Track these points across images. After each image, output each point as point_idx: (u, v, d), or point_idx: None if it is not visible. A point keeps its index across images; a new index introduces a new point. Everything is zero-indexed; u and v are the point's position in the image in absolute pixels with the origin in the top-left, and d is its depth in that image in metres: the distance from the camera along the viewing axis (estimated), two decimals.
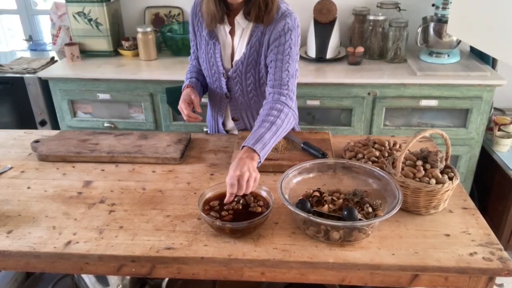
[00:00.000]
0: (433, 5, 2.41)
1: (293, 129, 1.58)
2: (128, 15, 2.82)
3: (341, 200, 1.13)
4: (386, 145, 1.39)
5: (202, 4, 1.43)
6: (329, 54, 2.46)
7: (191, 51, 1.63)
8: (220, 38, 1.47)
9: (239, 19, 1.41)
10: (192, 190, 1.29)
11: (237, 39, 1.45)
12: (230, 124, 1.65)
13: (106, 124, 2.50)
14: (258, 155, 1.19)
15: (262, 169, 1.37)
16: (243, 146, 1.21)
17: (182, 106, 1.48)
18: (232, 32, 1.45)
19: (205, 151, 1.51)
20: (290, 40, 1.38)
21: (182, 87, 1.56)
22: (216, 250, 1.04)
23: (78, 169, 1.41)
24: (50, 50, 2.95)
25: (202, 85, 1.61)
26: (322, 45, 2.44)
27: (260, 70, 1.46)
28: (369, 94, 2.27)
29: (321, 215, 1.08)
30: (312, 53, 2.48)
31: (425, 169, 1.17)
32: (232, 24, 1.44)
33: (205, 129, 1.79)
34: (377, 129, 2.36)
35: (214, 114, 1.67)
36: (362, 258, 1.01)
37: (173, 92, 1.71)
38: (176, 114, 1.81)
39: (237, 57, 1.47)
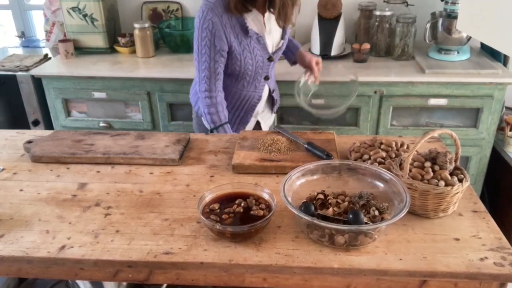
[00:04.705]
0: (442, 0, 2.42)
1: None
2: (124, 10, 2.83)
3: (346, 203, 1.13)
4: (393, 145, 1.39)
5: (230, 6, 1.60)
6: (334, 51, 2.46)
7: (215, 64, 1.68)
8: (259, 31, 1.71)
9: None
10: (191, 192, 1.29)
11: (269, 24, 1.73)
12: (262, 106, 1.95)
13: (101, 124, 2.51)
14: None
15: (264, 171, 1.37)
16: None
17: None
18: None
19: (205, 152, 1.52)
20: None
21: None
22: (216, 255, 1.04)
23: (73, 170, 1.42)
24: (44, 47, 2.96)
25: None
26: (326, 42, 2.45)
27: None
28: (375, 92, 2.27)
29: (325, 218, 1.08)
30: (316, 49, 2.48)
31: (433, 171, 1.17)
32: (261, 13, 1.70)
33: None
34: (384, 129, 2.36)
35: (245, 103, 1.87)
36: (368, 263, 1.01)
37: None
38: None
39: (276, 38, 1.79)
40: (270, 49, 1.78)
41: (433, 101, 2.27)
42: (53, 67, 2.50)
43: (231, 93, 1.83)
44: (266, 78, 1.83)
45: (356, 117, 2.36)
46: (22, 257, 1.06)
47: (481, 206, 1.21)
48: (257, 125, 2.01)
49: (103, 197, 1.27)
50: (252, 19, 1.67)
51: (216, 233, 1.08)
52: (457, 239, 1.08)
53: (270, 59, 1.77)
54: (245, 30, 1.66)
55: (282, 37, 1.81)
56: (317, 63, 1.84)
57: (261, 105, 1.95)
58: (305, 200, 1.14)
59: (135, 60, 2.58)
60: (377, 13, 2.48)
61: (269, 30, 1.73)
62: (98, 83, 2.41)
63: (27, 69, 2.51)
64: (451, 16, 2.33)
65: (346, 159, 1.41)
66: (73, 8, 2.56)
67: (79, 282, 1.42)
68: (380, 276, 1.01)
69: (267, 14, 1.69)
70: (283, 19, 1.66)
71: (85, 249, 1.07)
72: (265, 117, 2.01)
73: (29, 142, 1.52)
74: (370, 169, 1.22)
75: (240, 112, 1.90)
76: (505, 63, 2.40)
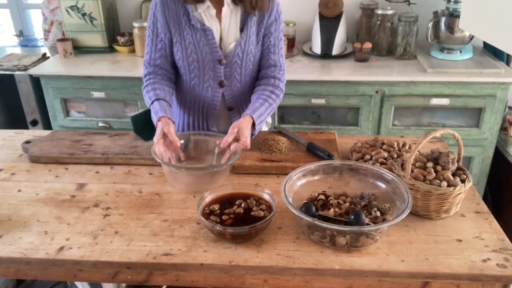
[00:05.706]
0: None
1: None
2: (123, 9, 2.83)
3: (347, 204, 1.13)
4: (395, 146, 1.39)
5: None
6: (335, 50, 2.46)
7: (156, 49, 1.55)
8: (208, 23, 1.52)
9: (228, 2, 1.50)
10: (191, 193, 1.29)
11: (226, 21, 1.53)
12: (222, 119, 1.68)
13: (100, 124, 2.51)
14: (254, 123, 1.42)
15: (265, 171, 1.37)
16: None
17: (165, 155, 1.33)
18: (217, 16, 1.52)
19: (205, 152, 1.51)
20: (281, 23, 1.59)
21: (154, 117, 1.43)
22: (216, 256, 1.04)
23: (71, 171, 1.42)
24: (42, 46, 2.96)
25: (170, 104, 1.54)
26: (327, 41, 2.44)
27: (257, 53, 1.59)
28: (377, 92, 2.27)
29: (326, 219, 1.08)
30: (317, 49, 2.48)
31: (436, 171, 1.17)
32: (216, 7, 1.51)
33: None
34: (385, 129, 2.36)
35: (202, 111, 1.66)
36: (370, 264, 1.01)
37: (139, 120, 1.62)
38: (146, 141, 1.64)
39: (230, 40, 1.55)
40: (221, 49, 1.56)
41: (435, 101, 2.27)
42: (52, 67, 2.50)
43: (187, 94, 1.66)
44: (221, 84, 1.59)
45: (358, 117, 2.36)
46: (20, 258, 1.06)
47: (483, 207, 1.21)
48: None
49: (102, 198, 1.27)
50: (203, 11, 1.50)
51: (216, 234, 1.08)
52: (460, 240, 1.08)
53: (221, 62, 1.54)
54: (189, 19, 1.50)
55: (237, 42, 1.54)
56: (237, 145, 1.34)
57: (221, 119, 1.69)
58: (306, 201, 1.14)
59: (134, 59, 2.58)
60: (379, 12, 2.48)
61: (224, 27, 1.53)
62: (97, 83, 2.41)
63: (25, 68, 2.51)
64: (453, 15, 2.32)
65: (347, 159, 1.41)
66: (71, 7, 2.56)
67: (77, 283, 1.42)
68: (382, 277, 1.01)
69: (225, 9, 1.50)
70: (255, 4, 1.48)
71: (84, 250, 1.07)
72: None
73: (27, 142, 1.52)
74: (372, 169, 1.22)
75: (200, 120, 1.68)
76: (508, 63, 2.39)
